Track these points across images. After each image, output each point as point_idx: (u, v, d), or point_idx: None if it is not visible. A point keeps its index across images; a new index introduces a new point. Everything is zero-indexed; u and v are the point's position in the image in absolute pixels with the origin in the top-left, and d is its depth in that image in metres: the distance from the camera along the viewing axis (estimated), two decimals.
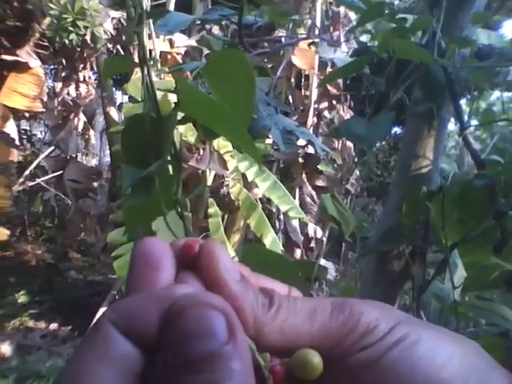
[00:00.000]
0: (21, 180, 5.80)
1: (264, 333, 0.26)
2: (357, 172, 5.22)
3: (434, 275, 1.02)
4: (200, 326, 0.22)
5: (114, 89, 5.13)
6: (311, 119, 4.64)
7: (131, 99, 4.08)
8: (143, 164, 0.43)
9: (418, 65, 1.01)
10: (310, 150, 4.42)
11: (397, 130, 8.68)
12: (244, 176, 4.08)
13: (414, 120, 1.03)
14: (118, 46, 4.95)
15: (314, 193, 4.68)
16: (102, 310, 4.18)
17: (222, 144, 3.86)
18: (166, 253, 0.27)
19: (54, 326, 5.04)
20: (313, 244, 4.68)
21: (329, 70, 4.44)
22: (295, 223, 4.65)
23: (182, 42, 4.13)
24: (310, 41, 2.70)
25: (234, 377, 0.21)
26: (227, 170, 3.87)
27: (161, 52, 3.99)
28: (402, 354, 0.25)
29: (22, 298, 5.31)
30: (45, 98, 3.92)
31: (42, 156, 6.12)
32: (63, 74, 5.64)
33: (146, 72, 0.42)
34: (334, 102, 4.79)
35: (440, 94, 0.92)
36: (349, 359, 0.26)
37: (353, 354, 0.26)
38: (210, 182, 4.29)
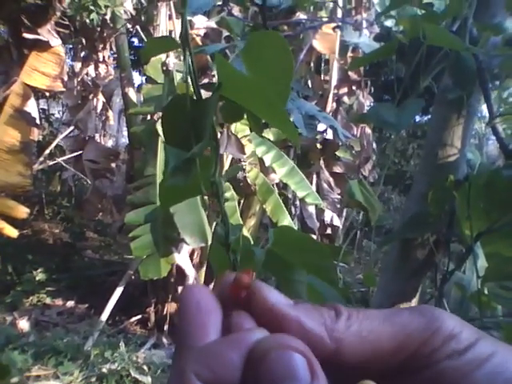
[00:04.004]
0: (40, 159, 5.86)
1: (343, 341, 0.26)
2: (374, 159, 5.18)
3: (458, 264, 1.02)
4: (284, 368, 0.22)
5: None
6: (330, 104, 4.61)
7: (149, 80, 4.08)
8: (184, 145, 0.44)
9: (448, 52, 0.99)
10: (329, 135, 4.39)
11: (416, 117, 8.58)
12: (261, 161, 4.09)
13: (443, 108, 1.02)
14: (138, 27, 4.94)
15: (331, 179, 4.66)
16: (118, 290, 4.23)
17: (239, 128, 3.86)
18: (213, 301, 0.27)
19: (70, 303, 5.12)
20: (329, 231, 4.68)
21: (349, 54, 4.39)
22: (311, 209, 4.65)
23: (202, 23, 4.11)
24: (334, 24, 2.67)
25: None
26: (244, 154, 3.87)
27: (180, 33, 3.97)
28: (496, 369, 0.25)
29: (39, 275, 5.40)
30: (65, 78, 3.93)
31: (61, 136, 6.16)
32: (82, 54, 5.67)
33: (188, 54, 0.42)
34: (354, 87, 4.74)
35: (470, 82, 0.91)
36: (438, 365, 0.25)
37: (441, 360, 0.25)
38: (226, 166, 4.30)
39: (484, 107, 1.08)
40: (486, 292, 1.02)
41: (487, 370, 0.25)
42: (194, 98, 0.44)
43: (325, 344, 0.25)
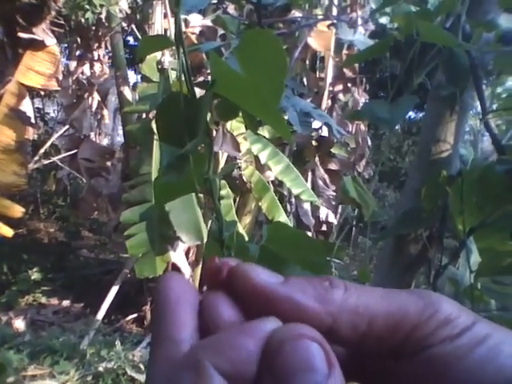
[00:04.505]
0: (35, 158, 5.84)
1: (339, 316, 0.25)
2: (368, 156, 5.20)
3: (451, 259, 1.03)
4: (301, 360, 0.22)
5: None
6: (326, 102, 4.62)
7: (144, 79, 4.08)
8: (178, 143, 0.44)
9: (441, 48, 1.00)
10: (324, 132, 4.40)
11: (411, 114, 8.60)
12: (256, 158, 4.09)
13: (436, 104, 1.03)
14: (133, 26, 4.94)
15: (326, 176, 4.67)
16: (114, 288, 4.23)
17: (235, 126, 3.86)
18: (188, 288, 0.27)
19: (66, 302, 5.12)
20: (324, 227, 4.69)
21: (344, 52, 4.40)
22: (307, 206, 4.66)
23: (197, 21, 4.11)
24: (329, 22, 2.67)
25: None
26: (240, 151, 3.87)
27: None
28: (490, 352, 0.24)
29: (35, 274, 5.40)
30: (60, 77, 3.92)
31: (56, 135, 6.15)
32: (77, 53, 5.65)
33: (181, 52, 0.42)
34: (349, 84, 4.75)
35: (463, 78, 0.92)
36: (430, 349, 0.25)
37: (434, 345, 0.25)
38: (222, 163, 4.30)
39: (477, 105, 1.09)
40: (478, 287, 1.02)
41: (481, 352, 0.25)
42: (188, 95, 0.44)
43: (321, 319, 0.25)
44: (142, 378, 3.40)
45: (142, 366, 3.52)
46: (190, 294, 0.26)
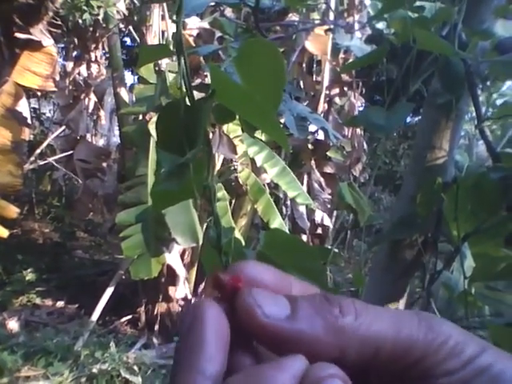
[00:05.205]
0: (31, 159, 5.83)
1: (349, 346, 0.25)
2: (364, 160, 5.22)
3: (445, 265, 1.03)
4: None
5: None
6: (322, 105, 4.63)
7: (141, 80, 4.08)
8: (177, 150, 0.45)
9: (438, 56, 1.01)
10: (320, 136, 4.41)
11: (407, 118, 8.62)
12: (253, 161, 4.10)
13: (432, 111, 1.04)
14: (130, 27, 4.94)
15: (322, 179, 4.68)
16: (109, 290, 4.23)
17: (231, 128, 3.87)
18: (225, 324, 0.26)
19: (60, 303, 5.10)
20: (319, 231, 4.70)
21: (341, 56, 4.41)
22: (302, 209, 4.67)
23: (195, 23, 4.12)
24: (326, 27, 2.68)
25: None
26: (236, 154, 3.88)
27: (173, 33, 3.98)
28: (491, 381, 0.25)
29: (29, 275, 5.38)
30: (57, 78, 3.92)
31: (53, 135, 6.14)
32: (74, 54, 5.65)
33: (182, 60, 0.43)
34: (346, 88, 4.77)
35: (459, 86, 0.92)
36: (437, 380, 0.25)
37: (441, 376, 0.25)
38: (218, 165, 4.31)
39: (473, 110, 1.10)
40: (472, 292, 1.03)
41: (483, 381, 0.25)
42: (188, 103, 0.45)
43: (330, 351, 0.25)
44: (136, 379, 3.39)
45: (136, 368, 3.52)
46: (225, 329, 0.26)
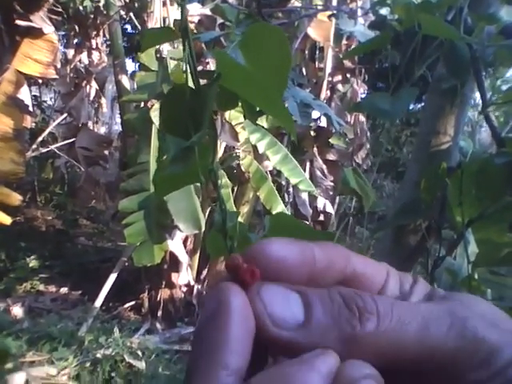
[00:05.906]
0: (33, 147, 5.83)
1: (366, 353, 0.24)
2: (367, 146, 5.20)
3: (449, 250, 1.04)
4: None
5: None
6: (325, 92, 4.61)
7: (142, 67, 4.06)
8: (183, 134, 0.45)
9: (443, 41, 1.00)
10: (322, 123, 4.40)
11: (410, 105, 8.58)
12: (255, 148, 4.09)
13: (437, 97, 1.03)
14: (131, 14, 4.90)
15: (324, 166, 4.67)
16: (112, 276, 4.25)
17: (233, 115, 3.85)
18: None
19: (64, 290, 5.13)
20: (322, 217, 4.71)
21: (344, 42, 4.38)
22: (304, 196, 4.67)
23: (196, 10, 4.08)
24: (329, 13, 2.66)
25: None
26: (238, 141, 3.87)
27: (174, 20, 3.96)
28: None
29: (32, 262, 5.40)
30: (58, 65, 3.90)
31: (54, 123, 6.13)
32: (75, 41, 5.63)
33: (187, 44, 0.43)
34: (349, 75, 4.74)
35: (464, 71, 0.92)
36: None
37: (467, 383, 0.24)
38: (220, 153, 4.30)
39: (477, 95, 1.10)
40: (476, 277, 1.04)
41: (502, 379, 0.23)
42: (193, 87, 0.45)
43: (345, 358, 0.24)
44: (139, 364, 3.42)
45: (139, 353, 3.55)
46: (251, 320, 0.24)
